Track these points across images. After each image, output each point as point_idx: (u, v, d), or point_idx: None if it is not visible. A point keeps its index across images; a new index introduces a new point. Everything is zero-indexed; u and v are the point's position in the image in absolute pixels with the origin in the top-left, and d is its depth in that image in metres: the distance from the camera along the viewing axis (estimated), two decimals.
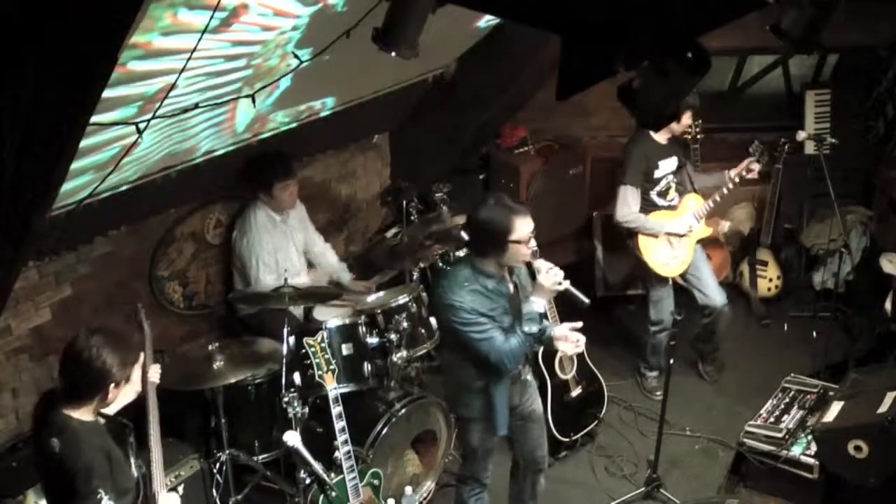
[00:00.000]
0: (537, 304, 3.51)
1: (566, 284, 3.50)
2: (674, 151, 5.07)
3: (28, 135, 1.81)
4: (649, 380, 5.42)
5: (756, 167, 5.06)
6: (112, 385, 2.82)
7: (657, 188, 5.04)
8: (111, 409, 3.04)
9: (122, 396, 3.01)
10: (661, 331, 5.22)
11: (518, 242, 3.39)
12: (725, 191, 5.08)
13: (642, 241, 5.03)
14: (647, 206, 5.03)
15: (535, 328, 3.48)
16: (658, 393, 5.30)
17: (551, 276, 3.47)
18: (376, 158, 5.86)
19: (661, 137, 4.99)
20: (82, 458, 2.76)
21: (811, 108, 6.09)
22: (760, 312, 6.10)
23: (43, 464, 2.89)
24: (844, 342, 5.58)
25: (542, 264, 3.51)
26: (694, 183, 5.23)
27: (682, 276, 5.22)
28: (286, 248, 4.80)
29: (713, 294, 5.18)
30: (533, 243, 3.44)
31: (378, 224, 6.01)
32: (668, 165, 5.04)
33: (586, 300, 3.51)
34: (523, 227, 3.39)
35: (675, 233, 5.02)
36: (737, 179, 5.04)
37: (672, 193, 5.10)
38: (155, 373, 3.45)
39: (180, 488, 3.85)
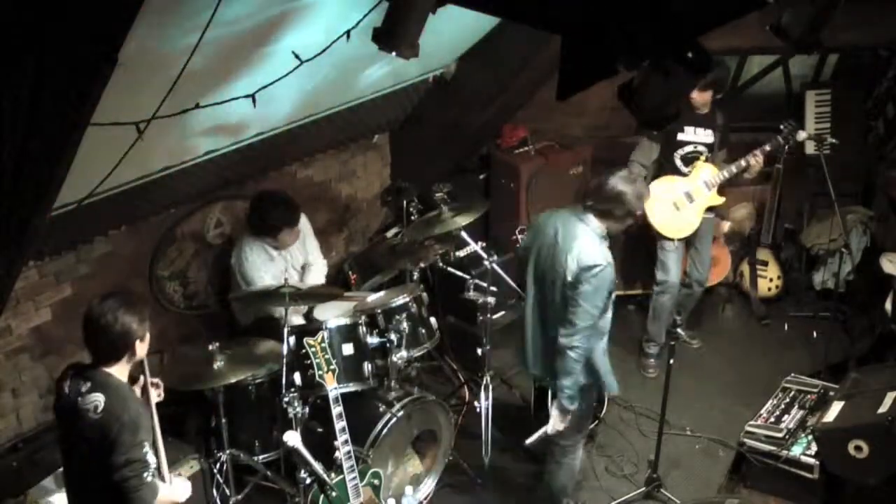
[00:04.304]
0: None
1: None
2: (712, 125, 5.13)
3: (28, 135, 1.81)
4: (647, 356, 5.50)
5: (767, 148, 5.13)
6: (137, 340, 2.95)
7: (680, 152, 5.14)
8: None
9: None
10: (663, 292, 5.30)
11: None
12: (744, 163, 5.13)
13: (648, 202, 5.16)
14: (669, 168, 5.18)
15: None
16: (651, 371, 5.46)
17: None
18: (376, 158, 5.86)
19: (700, 105, 5.03)
20: (129, 410, 2.87)
21: (811, 108, 6.09)
22: (760, 312, 6.09)
23: (79, 429, 2.90)
24: (844, 342, 5.57)
25: None
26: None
27: (686, 241, 5.30)
28: (287, 272, 4.74)
29: (702, 271, 5.43)
30: None
31: (378, 224, 6.01)
32: (699, 135, 5.13)
33: None
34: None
35: (667, 196, 5.10)
36: (752, 161, 5.10)
37: (699, 163, 5.19)
38: (155, 394, 3.31)
39: None
